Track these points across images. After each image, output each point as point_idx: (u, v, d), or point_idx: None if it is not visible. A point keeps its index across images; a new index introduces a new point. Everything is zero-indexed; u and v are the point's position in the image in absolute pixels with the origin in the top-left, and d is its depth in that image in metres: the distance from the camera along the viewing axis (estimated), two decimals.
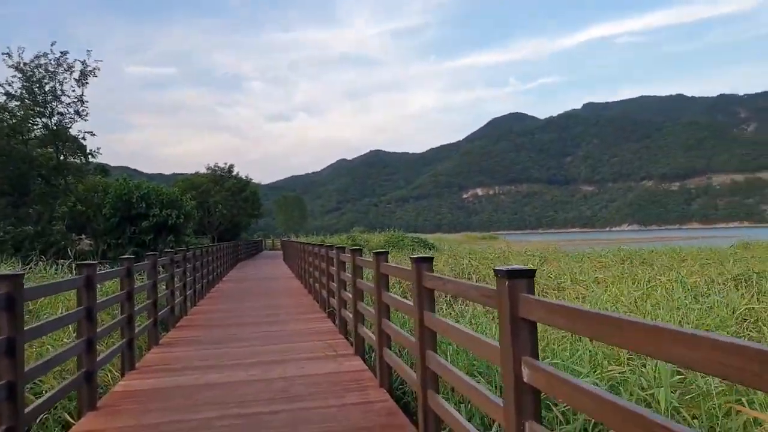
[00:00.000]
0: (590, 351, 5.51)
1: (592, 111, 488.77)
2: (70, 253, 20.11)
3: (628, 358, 5.31)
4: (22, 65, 24.44)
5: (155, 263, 9.16)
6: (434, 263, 4.88)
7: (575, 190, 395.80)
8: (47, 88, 24.99)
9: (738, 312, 7.56)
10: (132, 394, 5.93)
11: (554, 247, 27.48)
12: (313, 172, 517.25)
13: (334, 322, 9.92)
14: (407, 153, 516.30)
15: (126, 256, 7.80)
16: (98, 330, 5.86)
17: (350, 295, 7.97)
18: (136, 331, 7.54)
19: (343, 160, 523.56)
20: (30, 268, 14.56)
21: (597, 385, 4.37)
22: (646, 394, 4.40)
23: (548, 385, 2.47)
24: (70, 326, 6.99)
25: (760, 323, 7.20)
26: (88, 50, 26.36)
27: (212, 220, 45.60)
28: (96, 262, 6.21)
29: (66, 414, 5.41)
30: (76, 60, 25.41)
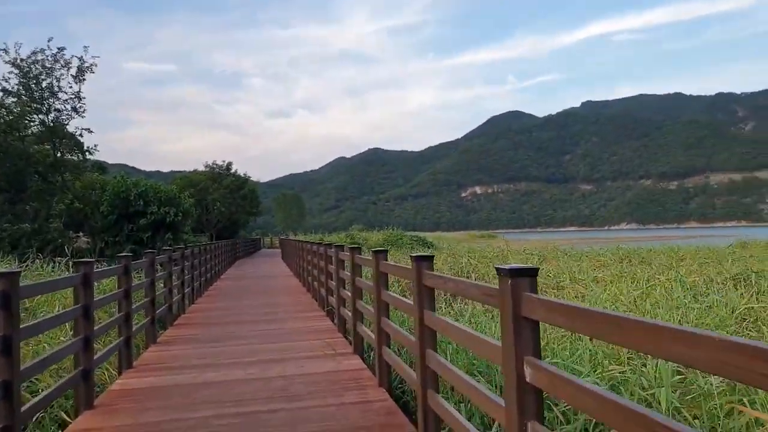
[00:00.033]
0: (590, 350, 5.49)
1: (591, 109, 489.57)
2: (67, 250, 20.07)
3: (628, 358, 5.29)
4: (18, 61, 24.38)
5: (153, 261, 9.12)
6: (433, 262, 4.85)
7: (574, 188, 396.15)
8: (44, 84, 24.96)
9: (737, 311, 7.54)
10: (129, 392, 5.90)
11: (553, 245, 27.46)
12: (312, 170, 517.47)
13: (332, 321, 9.89)
14: (406, 151, 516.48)
15: (123, 254, 7.76)
16: (95, 328, 5.83)
17: (349, 294, 7.94)
18: (134, 329, 7.51)
19: (342, 158, 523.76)
20: (27, 265, 14.53)
21: (597, 384, 4.35)
22: (647, 394, 4.38)
23: (551, 384, 2.44)
24: (67, 324, 6.96)
25: (759, 323, 7.19)
26: (85, 46, 26.28)
27: (210, 217, 45.57)
28: (93, 259, 6.18)
29: (63, 413, 5.38)
30: (73, 56, 25.41)
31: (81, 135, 26.55)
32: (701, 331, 1.61)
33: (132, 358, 7.21)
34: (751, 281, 10.42)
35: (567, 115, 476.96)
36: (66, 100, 25.45)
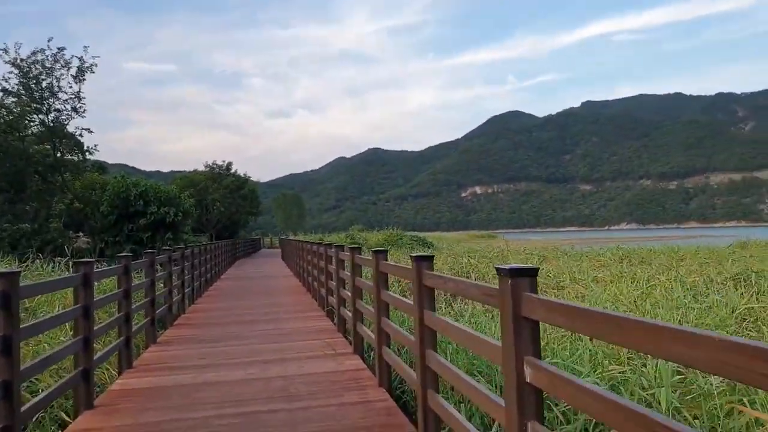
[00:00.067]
0: (590, 350, 5.49)
1: (591, 109, 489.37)
2: (67, 250, 20.08)
3: (628, 358, 5.29)
4: (18, 61, 24.36)
5: (153, 261, 9.13)
6: (433, 262, 4.86)
7: (573, 188, 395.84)
8: (44, 84, 24.93)
9: (737, 312, 7.54)
10: (129, 392, 5.90)
11: (553, 245, 27.47)
12: (312, 170, 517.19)
13: (332, 321, 9.89)
14: (406, 151, 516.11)
15: (123, 254, 7.76)
16: (95, 328, 5.83)
17: (349, 294, 7.94)
18: (134, 329, 7.51)
19: (342, 158, 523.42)
20: (27, 265, 14.54)
21: (597, 385, 4.34)
22: (647, 394, 4.38)
23: (551, 385, 2.44)
24: (67, 324, 6.96)
25: (759, 323, 7.19)
26: (85, 46, 26.27)
27: (210, 217, 45.58)
28: (93, 259, 6.18)
29: (63, 413, 5.38)
30: (73, 56, 25.38)
31: (81, 135, 26.58)
32: (701, 331, 1.61)
33: (132, 358, 7.21)
34: (751, 281, 10.42)
35: (567, 115, 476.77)
36: (66, 100, 25.46)
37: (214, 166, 50.20)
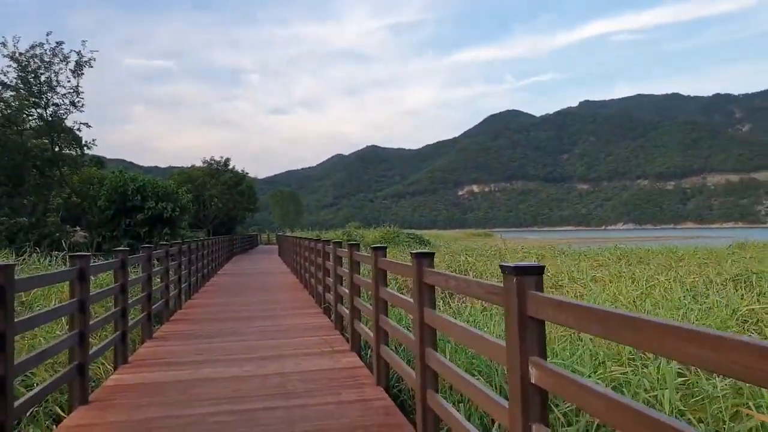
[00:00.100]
0: (590, 351, 5.44)
1: (589, 109, 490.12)
2: (64, 244, 19.96)
3: (629, 359, 5.23)
4: (17, 55, 24.24)
5: (150, 256, 9.05)
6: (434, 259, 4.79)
7: (571, 188, 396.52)
8: (42, 78, 24.82)
9: (739, 313, 7.50)
10: (124, 388, 5.83)
11: (550, 245, 27.44)
12: (309, 167, 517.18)
13: (329, 318, 9.84)
14: (403, 149, 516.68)
15: (120, 249, 7.70)
16: (91, 323, 5.77)
17: (347, 291, 7.88)
18: (130, 324, 7.45)
19: (339, 155, 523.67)
20: (24, 259, 14.47)
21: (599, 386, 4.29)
22: (650, 396, 4.32)
23: (557, 386, 2.38)
24: (62, 318, 6.90)
25: (761, 324, 7.14)
26: (83, 41, 26.12)
27: (208, 213, 45.50)
28: (90, 254, 6.11)
29: (57, 408, 5.33)
30: (71, 50, 25.30)
31: (79, 129, 26.47)
32: (728, 334, 1.52)
33: (128, 354, 7.15)
34: (751, 282, 10.38)
35: (565, 114, 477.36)
36: (64, 94, 25.36)
37: (212, 162, 50.21)
